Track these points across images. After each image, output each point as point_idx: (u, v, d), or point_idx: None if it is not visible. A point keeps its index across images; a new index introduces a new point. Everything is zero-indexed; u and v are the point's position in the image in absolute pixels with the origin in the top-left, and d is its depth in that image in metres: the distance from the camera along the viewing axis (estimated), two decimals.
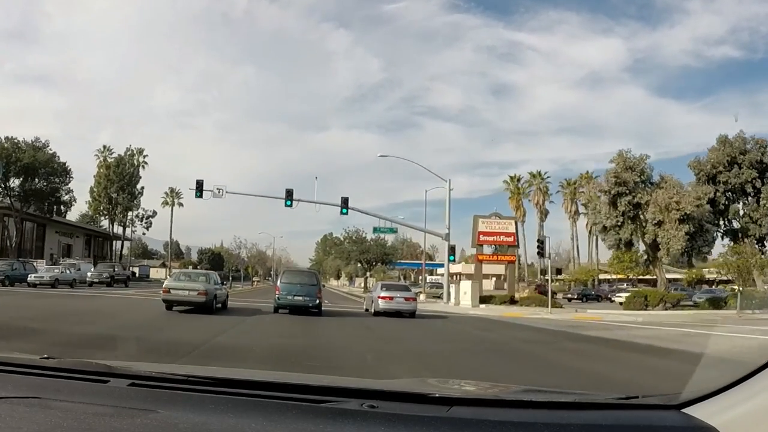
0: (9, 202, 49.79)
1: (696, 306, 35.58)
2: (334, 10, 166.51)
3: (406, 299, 22.56)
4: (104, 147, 69.00)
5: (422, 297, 47.46)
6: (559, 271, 53.74)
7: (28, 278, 33.07)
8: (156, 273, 75.76)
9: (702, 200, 31.01)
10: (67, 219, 63.51)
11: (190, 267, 72.35)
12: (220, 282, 22.81)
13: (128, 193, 66.94)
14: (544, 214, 71.89)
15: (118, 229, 70.92)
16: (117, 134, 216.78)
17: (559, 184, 72.92)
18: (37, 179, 50.49)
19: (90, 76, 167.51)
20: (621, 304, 41.63)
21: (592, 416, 1.46)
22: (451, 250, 40.06)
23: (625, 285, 63.29)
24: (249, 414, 1.42)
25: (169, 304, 18.35)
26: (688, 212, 30.02)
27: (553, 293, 39.44)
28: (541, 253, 29.59)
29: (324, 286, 31.46)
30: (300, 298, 20.02)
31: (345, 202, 36.72)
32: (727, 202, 35.37)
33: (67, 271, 37.28)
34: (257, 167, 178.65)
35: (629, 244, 35.15)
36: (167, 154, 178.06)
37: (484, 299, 35.64)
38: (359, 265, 75.69)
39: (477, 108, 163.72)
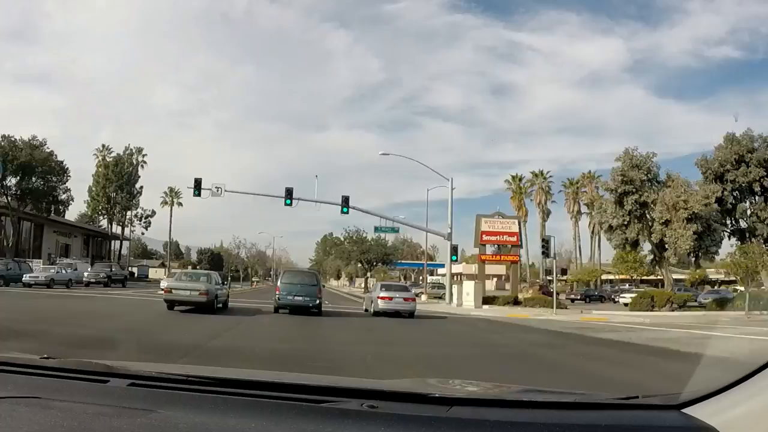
0: (6, 201, 49.17)
1: (702, 307, 34.97)
2: (334, 9, 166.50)
3: (406, 299, 22.64)
4: (103, 146, 68.61)
5: (424, 298, 46.90)
6: (564, 272, 53.12)
7: (23, 278, 32.46)
8: (155, 273, 75.05)
9: (710, 199, 30.44)
10: (65, 219, 62.99)
11: (189, 267, 71.84)
12: (221, 282, 23.00)
13: (127, 192, 66.41)
14: (546, 213, 71.40)
15: (116, 229, 70.41)
16: (117, 134, 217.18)
17: (561, 184, 72.51)
18: (34, 178, 49.89)
19: (90, 75, 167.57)
20: (626, 305, 41.08)
21: (592, 416, 1.45)
22: (454, 249, 39.45)
23: (627, 285, 62.75)
24: (249, 414, 1.42)
25: (171, 304, 18.55)
26: (696, 211, 29.44)
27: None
28: (545, 253, 28.95)
29: (324, 286, 31.07)
30: (300, 298, 20.07)
31: (345, 200, 36.21)
32: (734, 201, 34.81)
33: (63, 271, 36.65)
34: (257, 167, 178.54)
35: (635, 244, 34.57)
36: (167, 153, 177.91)
37: (487, 300, 35.05)
38: (360, 265, 75.08)
39: (477, 108, 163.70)
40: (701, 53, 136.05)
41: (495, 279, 64.72)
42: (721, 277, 60.65)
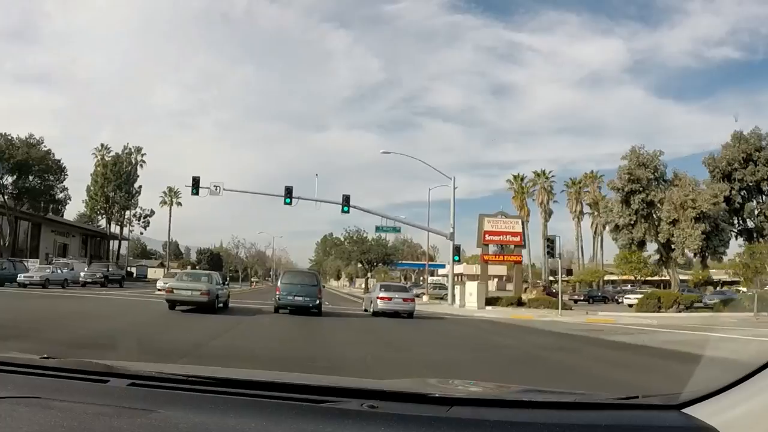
0: (2, 199, 48.56)
1: (708, 308, 34.34)
2: (334, 9, 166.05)
3: (405, 300, 22.88)
4: (102, 145, 68.04)
5: (425, 298, 46.27)
6: (570, 272, 52.32)
7: (18, 278, 31.83)
8: (154, 273, 74.34)
9: (718, 198, 29.79)
10: (63, 218, 62.46)
11: (189, 267, 71.15)
12: (222, 282, 23.23)
13: (125, 191, 65.92)
14: (548, 213, 70.62)
15: (115, 229, 69.81)
16: (117, 134, 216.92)
17: (564, 184, 71.78)
18: (30, 176, 49.29)
19: (90, 75, 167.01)
20: (630, 306, 40.51)
21: (592, 416, 1.45)
22: (456, 249, 38.79)
23: (629, 286, 62.11)
24: (249, 414, 1.41)
25: (172, 304, 18.74)
26: (704, 210, 28.80)
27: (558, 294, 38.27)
28: (551, 253, 28.37)
29: (324, 287, 30.80)
30: (300, 298, 20.20)
31: (346, 200, 35.60)
32: (742, 201, 34.18)
33: (59, 271, 36.00)
34: (257, 167, 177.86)
35: (641, 244, 33.94)
36: (167, 153, 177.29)
37: (490, 301, 34.45)
38: (360, 265, 74.45)
39: (477, 108, 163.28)
40: (701, 54, 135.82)
41: (496, 280, 64.14)
42: (724, 277, 60.11)
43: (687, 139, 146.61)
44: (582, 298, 52.27)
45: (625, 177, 30.82)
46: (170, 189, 74.85)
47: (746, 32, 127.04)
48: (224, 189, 34.63)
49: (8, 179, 48.74)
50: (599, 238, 72.94)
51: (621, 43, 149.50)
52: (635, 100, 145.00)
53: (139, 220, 70.95)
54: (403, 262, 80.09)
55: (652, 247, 36.67)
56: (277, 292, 20.69)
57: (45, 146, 50.67)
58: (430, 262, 66.67)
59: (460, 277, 58.89)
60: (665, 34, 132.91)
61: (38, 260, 46.00)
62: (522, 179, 71.10)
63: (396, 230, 51.62)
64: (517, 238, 38.11)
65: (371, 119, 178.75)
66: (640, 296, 38.76)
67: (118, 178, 65.18)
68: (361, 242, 67.85)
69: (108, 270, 42.65)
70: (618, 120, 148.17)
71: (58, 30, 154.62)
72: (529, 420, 1.39)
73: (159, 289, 33.48)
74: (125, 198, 66.05)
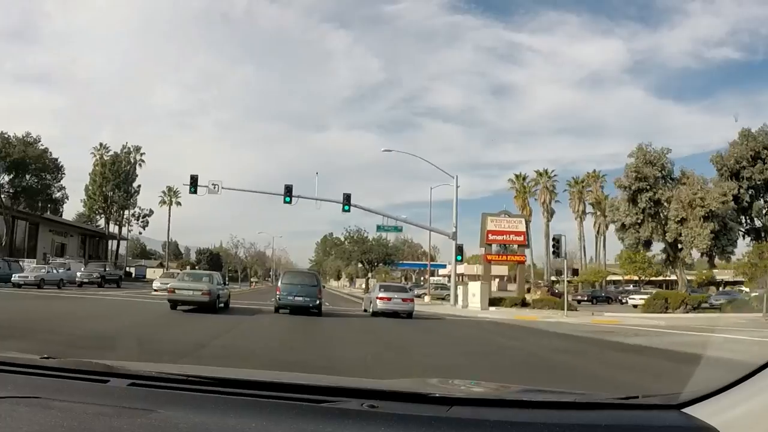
0: None
1: (714, 309, 33.73)
2: (334, 9, 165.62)
3: (404, 300, 23.06)
4: (100, 144, 67.52)
5: (427, 299, 45.68)
6: (576, 272, 51.55)
7: (12, 278, 31.21)
8: (153, 273, 73.60)
9: (728, 196, 29.11)
10: (62, 218, 61.89)
11: (188, 267, 70.46)
12: (222, 282, 23.49)
13: (124, 191, 65.37)
14: (550, 213, 70.05)
15: (114, 229, 69.23)
16: (117, 134, 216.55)
17: (566, 183, 71.23)
18: (27, 175, 48.62)
19: (90, 75, 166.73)
20: (635, 306, 39.93)
21: (592, 416, 1.44)
22: (459, 249, 38.21)
23: (631, 287, 61.51)
24: (249, 414, 1.40)
25: (174, 304, 18.92)
26: (713, 209, 28.12)
27: (561, 294, 37.64)
28: (556, 253, 27.72)
29: (324, 287, 30.42)
30: (300, 298, 20.29)
31: (347, 198, 35.04)
32: (750, 200, 33.49)
33: (55, 271, 35.38)
34: (257, 167, 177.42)
35: (648, 244, 33.24)
36: (167, 153, 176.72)
37: (493, 301, 33.84)
38: (360, 265, 73.79)
39: (477, 108, 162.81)
40: (701, 54, 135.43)
41: (497, 280, 63.48)
42: (726, 277, 59.53)
43: (687, 139, 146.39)
44: (585, 299, 51.68)
45: (632, 175, 30.11)
46: (169, 189, 74.35)
47: (746, 33, 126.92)
48: (223, 187, 34.17)
49: (5, 178, 48.11)
50: (601, 237, 72.42)
51: (621, 43, 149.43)
52: (635, 100, 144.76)
53: (137, 220, 70.46)
54: (404, 262, 79.50)
55: (657, 247, 36.00)
56: (278, 293, 20.79)
57: (42, 145, 50.04)
58: (431, 263, 66.08)
59: (461, 278, 58.21)
60: (665, 34, 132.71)
61: (35, 260, 45.41)
62: (524, 178, 70.57)
63: (398, 229, 51.08)
64: (521, 238, 37.47)
65: (371, 119, 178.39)
66: (645, 297, 38.21)
67: (116, 177, 64.64)
68: (362, 242, 67.25)
69: (105, 270, 42.01)
70: (618, 120, 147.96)
71: (58, 30, 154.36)
72: (529, 420, 1.38)
73: (155, 290, 32.91)
74: (124, 197, 65.53)
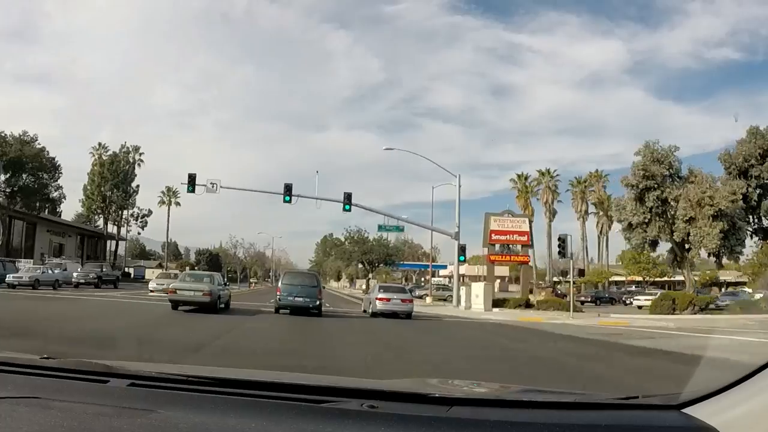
0: None
1: (721, 310, 33.08)
2: (334, 10, 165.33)
3: (403, 301, 23.17)
4: (99, 144, 67.08)
5: (429, 300, 45.05)
6: (582, 272, 50.72)
7: (7, 278, 30.61)
8: (152, 274, 73.01)
9: (737, 195, 28.46)
10: (60, 218, 61.37)
11: (188, 268, 69.79)
12: (223, 283, 23.67)
13: (122, 191, 64.83)
14: (552, 213, 69.36)
15: (112, 229, 68.68)
16: (117, 134, 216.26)
17: (569, 183, 70.55)
18: (24, 175, 48.09)
19: (90, 75, 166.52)
20: (640, 307, 39.27)
21: (592, 416, 1.44)
22: (462, 249, 37.55)
23: (633, 287, 60.83)
24: (249, 414, 1.40)
25: (175, 304, 19.12)
26: (722, 208, 27.48)
27: (566, 296, 36.93)
28: (562, 253, 27.12)
29: (324, 288, 29.94)
30: (300, 299, 20.30)
31: (348, 197, 34.45)
32: (758, 198, 32.85)
33: (50, 271, 34.76)
34: (257, 167, 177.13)
35: (654, 244, 32.58)
36: (167, 153, 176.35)
37: (497, 303, 33.19)
38: (361, 266, 73.19)
39: (477, 108, 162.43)
40: (701, 55, 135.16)
41: (498, 280, 62.87)
42: (730, 278, 58.92)
43: (687, 139, 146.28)
44: (589, 300, 51.00)
45: (640, 173, 29.46)
46: (168, 189, 73.75)
47: (746, 33, 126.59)
48: (221, 186, 33.58)
49: (1, 177, 47.54)
50: (604, 238, 71.74)
51: (621, 44, 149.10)
52: (635, 100, 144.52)
53: (136, 220, 69.87)
54: (405, 263, 78.92)
55: (663, 247, 35.35)
56: (278, 293, 20.82)
57: (39, 144, 49.57)
58: (432, 263, 65.49)
59: (462, 278, 57.65)
60: (665, 35, 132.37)
61: (32, 260, 44.81)
62: (526, 178, 69.94)
63: (399, 229, 50.51)
64: (524, 238, 36.81)
65: (371, 119, 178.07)
66: (649, 298, 37.53)
67: (115, 177, 64.12)
68: (362, 242, 66.73)
69: (102, 270, 41.36)
70: (618, 121, 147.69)
71: (58, 30, 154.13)
72: (529, 420, 1.37)
73: (151, 290, 32.27)
74: (122, 197, 65.01)
